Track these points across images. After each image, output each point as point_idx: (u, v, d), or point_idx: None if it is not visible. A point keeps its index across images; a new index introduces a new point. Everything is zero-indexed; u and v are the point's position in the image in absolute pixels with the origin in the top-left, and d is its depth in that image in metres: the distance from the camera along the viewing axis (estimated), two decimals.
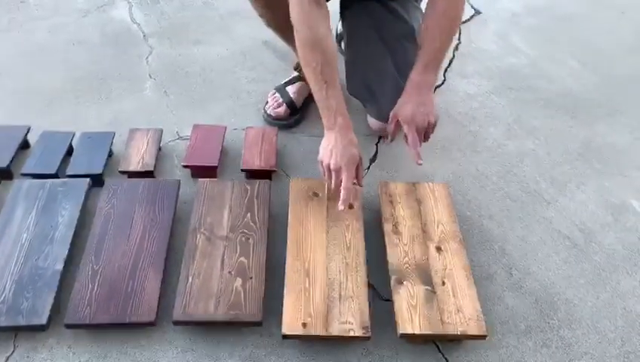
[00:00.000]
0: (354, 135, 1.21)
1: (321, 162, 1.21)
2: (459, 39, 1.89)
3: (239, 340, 1.06)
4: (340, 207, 1.16)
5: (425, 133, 1.29)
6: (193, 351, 1.04)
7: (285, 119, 1.51)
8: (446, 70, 1.75)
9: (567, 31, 1.97)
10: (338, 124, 1.18)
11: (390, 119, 1.31)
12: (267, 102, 1.54)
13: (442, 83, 1.70)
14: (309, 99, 1.53)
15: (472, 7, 2.05)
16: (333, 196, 1.25)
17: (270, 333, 1.07)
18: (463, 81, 1.72)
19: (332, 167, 1.18)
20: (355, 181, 1.20)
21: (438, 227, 1.21)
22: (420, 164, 1.26)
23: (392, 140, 1.36)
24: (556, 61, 1.83)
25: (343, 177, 1.17)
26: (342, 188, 1.17)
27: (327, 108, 1.19)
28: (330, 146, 1.19)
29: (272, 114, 1.51)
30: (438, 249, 1.16)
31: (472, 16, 2.01)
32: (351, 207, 1.23)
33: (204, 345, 1.05)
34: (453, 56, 1.81)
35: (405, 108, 1.27)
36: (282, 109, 1.51)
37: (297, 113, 1.53)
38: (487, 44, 1.89)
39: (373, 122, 1.46)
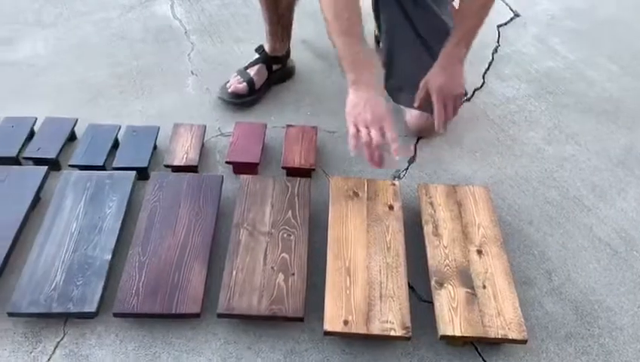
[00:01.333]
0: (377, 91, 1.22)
1: (355, 117, 1.18)
2: (497, 42, 1.88)
3: (281, 334, 1.08)
4: (397, 156, 1.16)
5: (454, 105, 1.37)
6: (236, 344, 1.06)
7: (242, 97, 1.54)
8: (485, 73, 1.74)
9: (607, 34, 1.95)
10: (366, 78, 1.19)
11: (420, 86, 1.38)
12: (229, 81, 1.57)
13: (481, 85, 1.70)
14: (266, 83, 1.59)
15: (510, 9, 2.04)
16: (373, 196, 1.26)
17: (311, 329, 1.08)
18: (502, 84, 1.71)
19: (370, 117, 1.16)
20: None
21: (478, 230, 1.21)
22: (442, 133, 1.37)
23: (418, 106, 1.41)
24: (596, 65, 1.81)
25: (386, 127, 1.15)
26: (391, 139, 1.15)
27: (355, 62, 1.19)
28: (364, 99, 1.18)
29: (230, 88, 1.54)
30: (479, 252, 1.16)
31: (511, 19, 1.99)
32: (391, 207, 1.24)
33: (247, 338, 1.07)
34: (492, 58, 1.80)
35: (436, 78, 1.35)
36: (242, 86, 1.54)
37: (254, 94, 1.56)
38: (526, 47, 1.88)
39: (411, 120, 1.48)
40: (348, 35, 1.18)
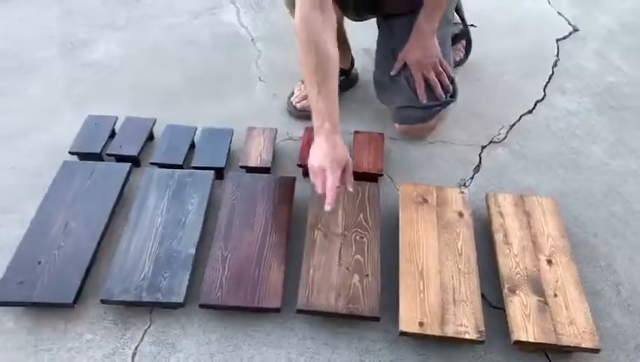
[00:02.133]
0: (341, 139, 1.23)
1: (309, 164, 1.23)
2: (557, 56, 1.89)
3: (356, 333, 1.12)
4: (327, 208, 1.17)
5: (435, 73, 1.45)
6: (313, 339, 1.11)
7: (308, 110, 1.55)
8: (545, 85, 1.76)
9: None
10: (325, 128, 1.20)
11: (398, 60, 1.48)
12: (293, 93, 1.63)
13: (542, 98, 1.71)
14: None
15: (569, 23, 2.05)
16: (442, 203, 1.30)
17: (385, 330, 1.12)
18: (562, 97, 1.73)
19: (316, 167, 1.20)
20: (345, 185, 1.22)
21: (547, 240, 1.23)
22: (424, 102, 1.45)
23: (394, 74, 1.50)
24: None
25: (328, 179, 1.18)
26: (327, 189, 1.18)
27: (317, 111, 1.21)
28: (317, 148, 1.21)
29: (297, 106, 1.60)
30: (549, 262, 1.19)
31: (569, 33, 2.00)
32: (461, 215, 1.27)
33: (323, 334, 1.12)
34: (552, 72, 1.82)
35: (412, 53, 1.45)
36: (306, 102, 1.56)
37: None
38: (586, 61, 1.89)
39: (399, 128, 1.54)
40: (312, 83, 1.20)
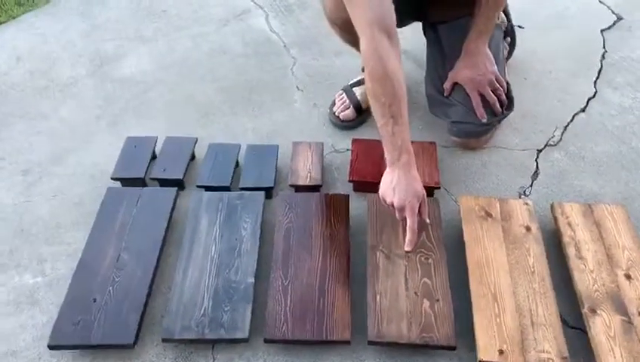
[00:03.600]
0: (416, 171, 1.17)
1: (384, 199, 1.18)
2: (604, 47, 1.81)
3: None
4: (407, 248, 1.15)
5: (493, 89, 1.37)
6: None
7: (352, 120, 1.53)
8: (595, 81, 1.68)
9: None
10: (402, 161, 1.14)
11: (448, 80, 1.42)
12: (334, 103, 1.56)
13: (594, 95, 1.64)
14: None
15: (612, 12, 1.96)
16: (506, 216, 1.23)
17: (460, 358, 1.06)
18: (615, 92, 1.65)
19: (396, 204, 1.15)
20: (423, 219, 1.18)
21: (623, 253, 1.16)
22: (484, 121, 1.38)
23: (448, 95, 1.44)
24: None
25: (408, 218, 1.14)
26: (407, 229, 1.14)
27: (392, 144, 1.14)
28: (393, 183, 1.15)
29: (340, 116, 1.53)
30: (628, 276, 1.12)
31: (614, 23, 1.91)
32: (528, 229, 1.21)
33: None
34: (601, 65, 1.74)
35: (462, 72, 1.39)
36: (350, 111, 1.52)
37: (362, 114, 1.54)
38: (635, 52, 1.80)
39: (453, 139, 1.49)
40: (385, 116, 1.13)
